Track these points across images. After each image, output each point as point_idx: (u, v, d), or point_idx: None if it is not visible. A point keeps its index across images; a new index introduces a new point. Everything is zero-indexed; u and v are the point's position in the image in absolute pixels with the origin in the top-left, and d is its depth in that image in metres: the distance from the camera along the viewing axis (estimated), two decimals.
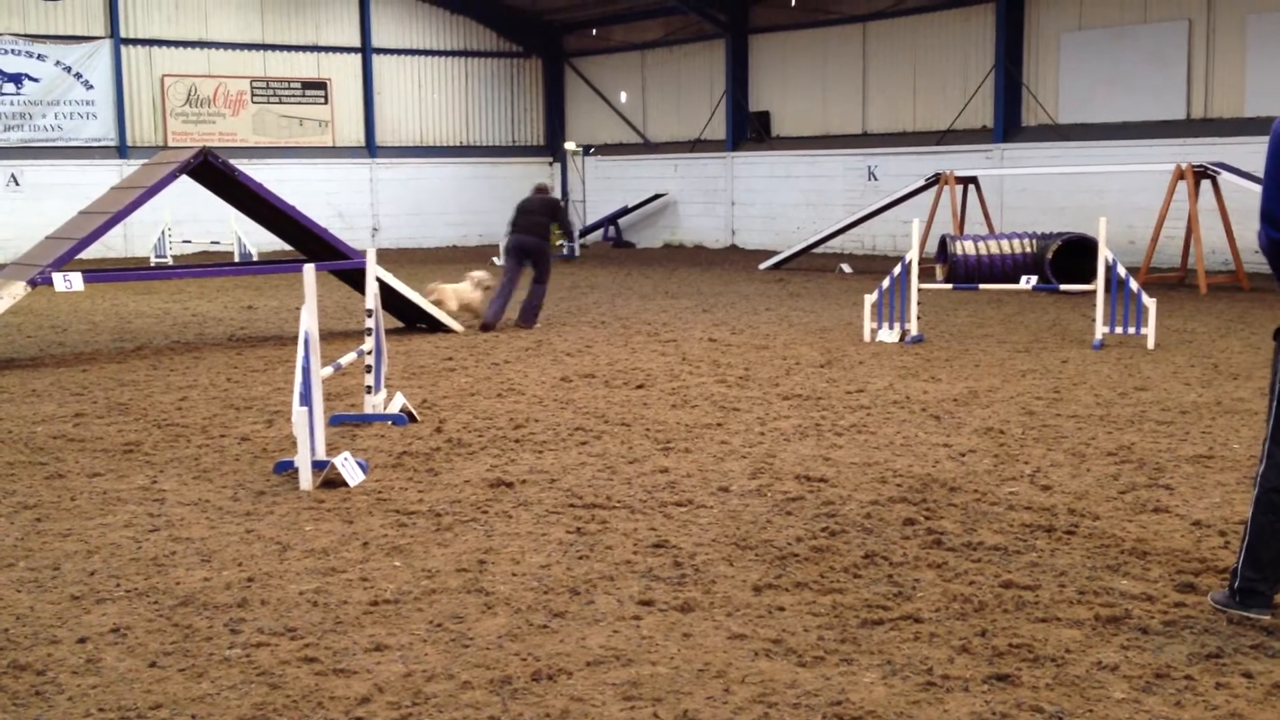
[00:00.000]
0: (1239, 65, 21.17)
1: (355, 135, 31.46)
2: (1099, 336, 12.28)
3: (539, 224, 14.73)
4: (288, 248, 15.17)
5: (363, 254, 9.78)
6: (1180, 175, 18.32)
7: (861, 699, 3.99)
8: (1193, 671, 4.18)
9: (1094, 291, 12.52)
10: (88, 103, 28.19)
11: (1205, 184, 18.41)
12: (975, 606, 4.84)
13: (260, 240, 23.41)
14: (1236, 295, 17.39)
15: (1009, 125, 24.24)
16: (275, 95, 30.44)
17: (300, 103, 30.74)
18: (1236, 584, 4.72)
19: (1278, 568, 4.68)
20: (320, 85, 30.97)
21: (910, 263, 12.73)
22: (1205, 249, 18.76)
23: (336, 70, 31.15)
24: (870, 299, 12.96)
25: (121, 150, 28.31)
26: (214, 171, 12.74)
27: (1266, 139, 4.59)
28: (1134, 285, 12.22)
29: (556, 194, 14.62)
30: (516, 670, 4.23)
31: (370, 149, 31.48)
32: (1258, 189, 4.63)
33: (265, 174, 25.07)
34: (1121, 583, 5.12)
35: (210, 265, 19.50)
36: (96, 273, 13.86)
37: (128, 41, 28.55)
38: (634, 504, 6.44)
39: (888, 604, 4.88)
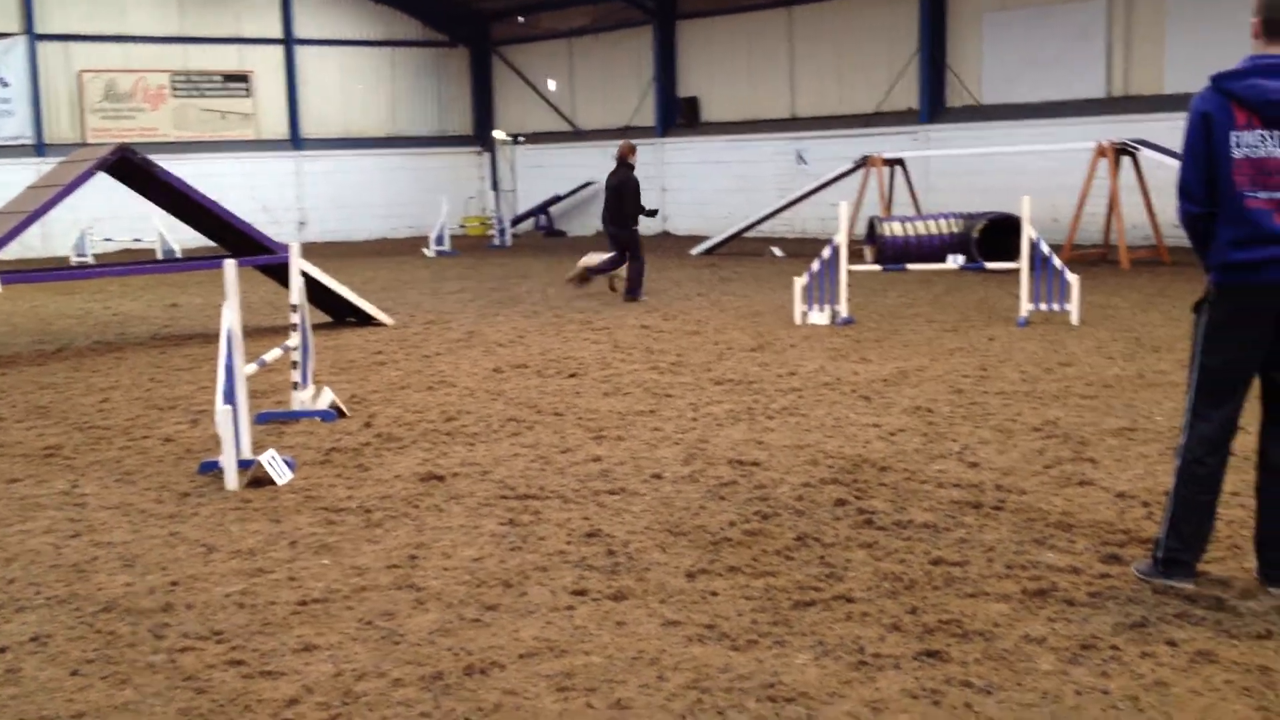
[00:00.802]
0: (1158, 43, 21.51)
1: (279, 128, 31.07)
2: (1024, 314, 12.43)
3: (614, 210, 15.57)
4: (212, 244, 14.94)
5: (287, 248, 9.65)
6: (1101, 153, 18.59)
7: (794, 680, 4.00)
8: (1118, 641, 4.24)
9: (1019, 269, 12.67)
10: (3, 100, 27.59)
11: (1126, 161, 18.70)
12: (905, 584, 4.87)
13: (184, 237, 23.00)
14: (1157, 269, 17.69)
15: (934, 107, 24.45)
16: (196, 89, 29.99)
17: (222, 96, 30.30)
18: (1160, 554, 4.79)
19: (1200, 537, 4.76)
20: (242, 78, 30.55)
21: (839, 245, 12.80)
22: (1126, 225, 19.06)
23: (259, 62, 30.74)
24: (800, 282, 13.01)
25: (39, 149, 27.74)
26: (133, 168, 12.52)
27: (1185, 115, 4.65)
28: (1057, 262, 12.38)
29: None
30: (448, 666, 4.19)
31: (295, 141, 31.11)
32: (1177, 165, 4.69)
33: (188, 169, 24.66)
34: (1048, 556, 5.18)
35: (133, 263, 19.19)
36: (14, 274, 13.56)
37: (43, 37, 27.97)
38: (567, 494, 6.42)
39: (820, 585, 4.90)
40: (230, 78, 30.39)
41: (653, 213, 16.46)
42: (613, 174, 15.91)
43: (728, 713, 3.78)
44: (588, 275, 16.08)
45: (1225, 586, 4.73)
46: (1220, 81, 4.54)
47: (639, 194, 15.74)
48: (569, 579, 5.06)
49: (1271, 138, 4.44)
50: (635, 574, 5.11)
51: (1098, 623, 4.42)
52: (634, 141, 16.94)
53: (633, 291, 15.62)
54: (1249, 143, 4.46)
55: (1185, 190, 4.65)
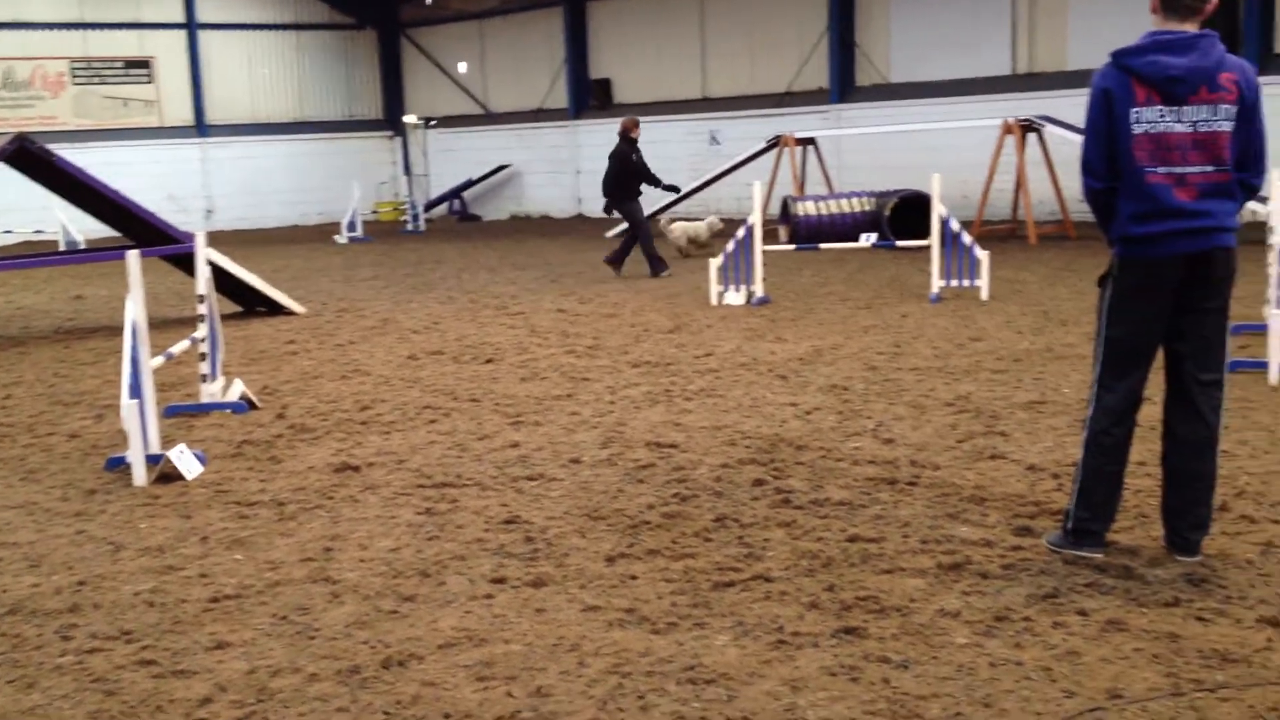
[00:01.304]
0: (1061, 20, 21.86)
1: (184, 114, 30.45)
2: (936, 290, 12.58)
3: (607, 184, 15.87)
4: (116, 234, 14.61)
5: (193, 237, 9.45)
6: (1008, 130, 18.87)
7: (714, 662, 4.01)
8: (1031, 613, 4.31)
9: (930, 247, 12.82)
10: None
11: (1031, 137, 19.00)
12: (823, 562, 4.91)
13: (87, 227, 22.48)
14: (1064, 244, 18.01)
15: (844, 86, 24.63)
16: (97, 75, 29.29)
17: (124, 82, 29.63)
18: (1070, 525, 4.87)
19: (1108, 507, 4.85)
20: (144, 64, 29.90)
21: (753, 225, 12.85)
22: (1033, 200, 19.37)
23: (161, 48, 30.09)
24: (716, 263, 13.05)
25: None
26: (32, 158, 12.19)
27: (1088, 91, 4.71)
28: (967, 239, 12.55)
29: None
30: (365, 659, 4.14)
31: (200, 128, 30.51)
32: (1081, 141, 4.76)
33: (90, 158, 24.09)
34: (962, 530, 5.25)
35: (34, 255, 18.67)
36: None
37: None
38: (485, 481, 6.37)
39: (739, 565, 4.92)
40: (132, 64, 29.72)
41: (671, 188, 17.18)
42: (615, 149, 16.05)
43: (648, 697, 3.78)
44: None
45: (1134, 555, 4.82)
46: (1120, 58, 4.60)
47: (628, 168, 15.94)
48: (487, 567, 5.03)
49: (1170, 113, 4.51)
50: (554, 560, 5.09)
51: (1011, 595, 4.49)
52: (637, 117, 17.06)
53: (617, 259, 16.10)
54: (1149, 118, 4.53)
55: (1087, 166, 4.72)
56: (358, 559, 5.19)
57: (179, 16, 30.26)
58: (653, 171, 16.31)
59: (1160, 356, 4.79)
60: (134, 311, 6.72)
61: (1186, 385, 4.72)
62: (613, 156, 16.05)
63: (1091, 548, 4.82)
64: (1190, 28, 4.54)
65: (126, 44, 29.70)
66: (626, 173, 15.95)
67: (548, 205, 30.32)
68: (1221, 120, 4.51)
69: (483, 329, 11.84)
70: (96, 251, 16.35)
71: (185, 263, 13.68)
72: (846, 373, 8.87)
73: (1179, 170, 4.53)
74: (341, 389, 9.08)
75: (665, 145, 27.42)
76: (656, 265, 15.86)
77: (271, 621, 4.52)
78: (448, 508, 5.90)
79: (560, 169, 29.96)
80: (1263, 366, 8.05)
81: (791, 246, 16.07)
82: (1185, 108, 4.50)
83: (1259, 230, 12.09)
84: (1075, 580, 4.59)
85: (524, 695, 3.83)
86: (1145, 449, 5.83)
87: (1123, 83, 4.56)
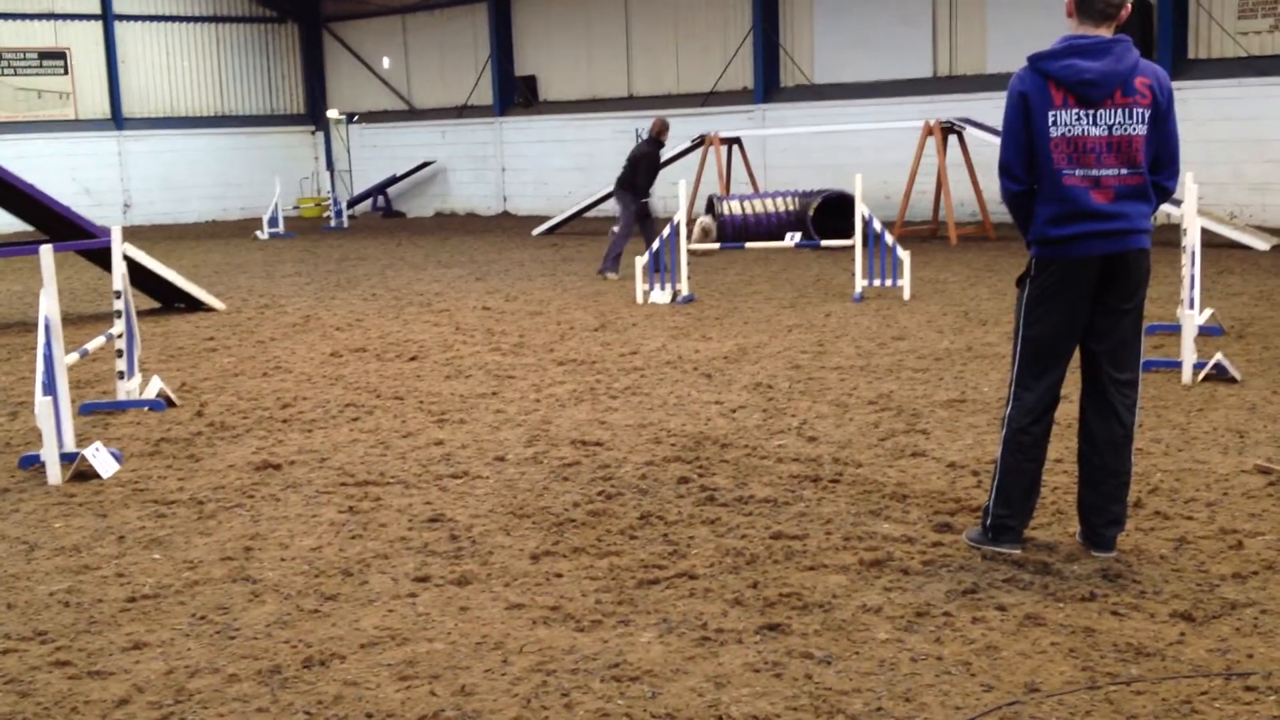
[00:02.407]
0: (980, 24, 22.17)
1: (100, 107, 29.85)
2: (859, 290, 12.71)
3: (628, 178, 15.62)
4: (30, 229, 14.29)
5: (109, 231, 9.27)
6: (929, 131, 19.10)
7: (639, 659, 4.02)
8: (951, 608, 4.37)
9: (853, 247, 12.94)
10: None
11: (952, 139, 19.25)
12: (747, 559, 4.94)
13: (0, 222, 22.00)
14: (984, 245, 18.28)
15: (769, 86, 24.77)
16: (10, 67, 28.62)
17: (38, 74, 28.98)
18: (989, 521, 4.94)
19: (1026, 504, 4.93)
20: (59, 55, 29.25)
21: (679, 224, 12.89)
22: (954, 202, 19.64)
23: (76, 38, 29.46)
24: (641, 261, 13.07)
25: None
26: None
27: (1005, 94, 4.78)
28: (889, 239, 12.69)
29: (667, 137, 16.14)
30: (286, 659, 4.09)
31: (117, 121, 29.92)
32: (999, 143, 4.83)
33: (2, 151, 23.60)
34: (884, 526, 5.31)
35: None
36: None
37: None
38: (408, 479, 6.33)
39: (663, 563, 4.93)
40: (46, 55, 29.07)
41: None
42: (647, 149, 15.80)
43: (573, 694, 3.78)
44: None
45: (1051, 551, 4.91)
46: (1037, 62, 4.68)
47: (655, 169, 15.94)
48: (411, 565, 4.99)
49: (1087, 116, 4.60)
50: (479, 558, 5.07)
51: (931, 590, 4.54)
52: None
53: (609, 264, 15.61)
54: (1065, 121, 4.61)
55: (1005, 169, 4.79)
56: (279, 558, 5.13)
57: (95, 7, 29.65)
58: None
59: (1077, 356, 4.88)
60: (48, 307, 6.58)
61: (1103, 384, 4.81)
62: (640, 155, 15.75)
63: (1010, 544, 4.90)
64: (1105, 32, 4.63)
65: (41, 35, 29.04)
66: (652, 172, 15.89)
67: (473, 202, 30.16)
68: (1136, 124, 4.60)
69: (407, 326, 11.76)
70: (8, 246, 15.97)
71: (101, 258, 13.42)
72: (771, 371, 8.93)
73: (1095, 173, 4.62)
74: (262, 386, 8.97)
75: (592, 143, 27.43)
76: (613, 265, 15.56)
77: (190, 621, 4.45)
78: (371, 506, 5.85)
79: (485, 166, 29.81)
80: (1176, 366, 8.24)
81: (717, 245, 16.14)
82: (1100, 111, 4.59)
83: (1173, 232, 12.36)
84: (994, 576, 4.67)
85: (447, 694, 3.81)
86: (1062, 447, 5.94)
87: (1040, 86, 4.64)
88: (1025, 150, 4.70)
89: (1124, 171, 4.63)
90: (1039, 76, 4.65)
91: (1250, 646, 3.99)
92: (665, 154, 17.40)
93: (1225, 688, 3.71)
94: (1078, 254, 4.66)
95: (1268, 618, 4.21)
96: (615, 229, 16.03)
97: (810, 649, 4.06)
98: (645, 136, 16.16)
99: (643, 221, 15.88)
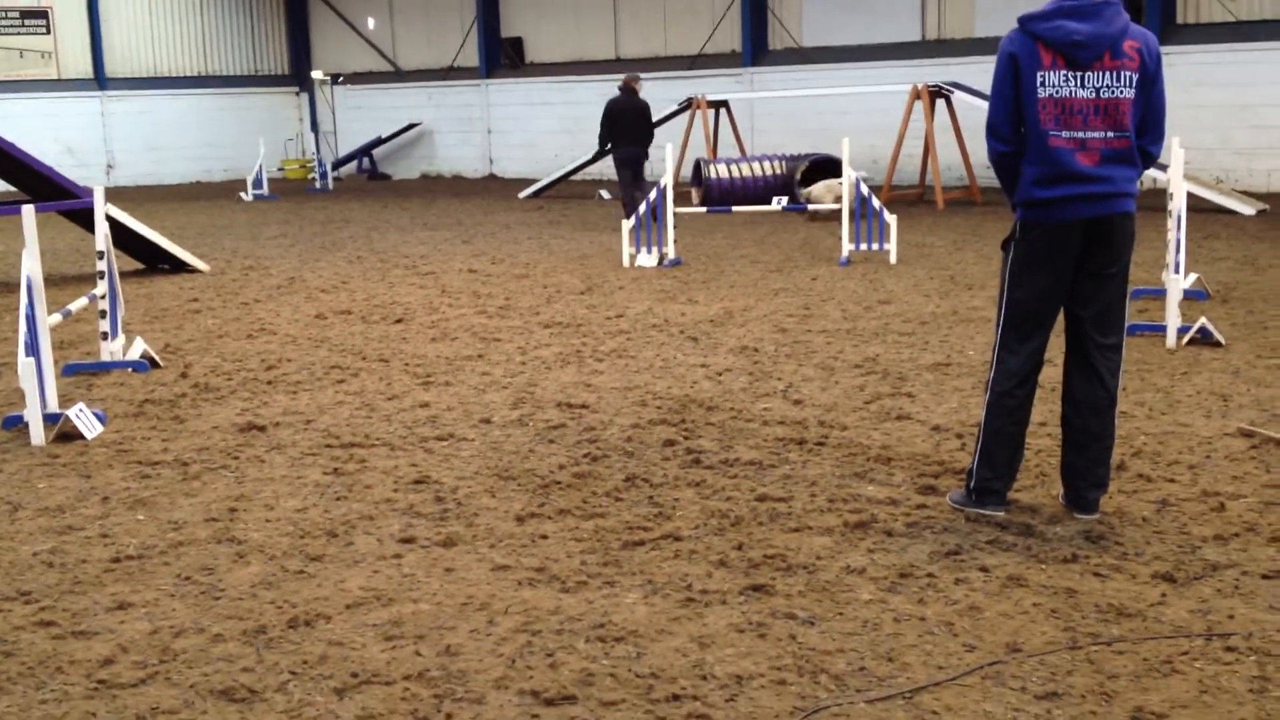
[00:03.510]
0: None
1: (82, 66, 29.55)
2: (845, 254, 12.70)
3: (641, 132, 16.08)
4: (12, 189, 14.18)
5: (91, 192, 9.21)
6: (917, 95, 19.05)
7: (624, 619, 4.03)
8: (934, 569, 4.39)
9: (840, 210, 12.92)
10: None
11: (940, 103, 19.20)
12: (732, 521, 4.95)
13: None
14: (971, 209, 18.27)
15: (756, 49, 24.65)
16: None
17: (19, 33, 28.65)
18: (972, 484, 4.96)
19: (1010, 466, 4.95)
20: (41, 14, 28.92)
21: (666, 187, 12.85)
22: (941, 166, 19.60)
23: None
24: (628, 224, 13.03)
25: None
26: None
27: (995, 58, 4.77)
28: (876, 203, 12.67)
29: (645, 93, 16.81)
30: (271, 619, 4.10)
31: (100, 81, 29.64)
32: (987, 106, 4.82)
33: None
34: (868, 489, 5.32)
35: None
36: None
37: None
38: (394, 441, 6.32)
39: (648, 525, 4.94)
40: (28, 14, 28.74)
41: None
42: (621, 101, 16.19)
43: (558, 654, 3.79)
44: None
45: (1034, 513, 4.93)
46: (1027, 23, 4.66)
47: (648, 118, 16.46)
48: (396, 527, 5.00)
49: (1075, 78, 4.58)
50: (464, 520, 5.07)
51: (915, 552, 4.57)
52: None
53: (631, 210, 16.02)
54: (1053, 83, 4.60)
55: (993, 130, 4.78)
56: (263, 519, 5.13)
57: None
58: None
59: (1061, 320, 4.89)
60: (30, 267, 6.54)
61: (1086, 348, 4.83)
62: (640, 107, 16.23)
63: (993, 506, 4.92)
64: None
65: None
66: (650, 122, 16.43)
67: (459, 165, 30.01)
68: (1124, 87, 4.59)
69: (392, 289, 11.72)
70: None
71: (84, 219, 13.32)
72: (757, 335, 8.93)
73: (1081, 135, 4.61)
74: (247, 348, 8.94)
75: (578, 106, 27.28)
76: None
77: (175, 582, 4.45)
78: (356, 468, 5.85)
79: (471, 128, 29.64)
80: (1160, 330, 8.26)
81: (703, 209, 16.10)
82: (1088, 73, 4.58)
83: (1159, 197, 12.37)
84: (977, 538, 4.69)
85: (433, 654, 3.82)
86: (1046, 410, 5.96)
87: (1029, 47, 4.63)
88: (1013, 111, 4.69)
89: (1110, 135, 4.62)
90: (1028, 37, 4.63)
91: (1231, 608, 4.02)
92: (652, 116, 17.83)
93: (1206, 648, 3.74)
94: (1062, 217, 4.66)
95: (1248, 579, 4.25)
96: (630, 196, 16.01)
97: (794, 610, 4.08)
98: (629, 91, 16.37)
99: (635, 176, 16.23)
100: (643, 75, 21.63)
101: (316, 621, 4.07)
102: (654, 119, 16.64)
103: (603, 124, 16.30)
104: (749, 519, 4.97)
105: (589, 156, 21.58)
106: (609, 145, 16.36)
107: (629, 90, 16.41)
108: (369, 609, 4.17)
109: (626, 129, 16.14)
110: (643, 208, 12.98)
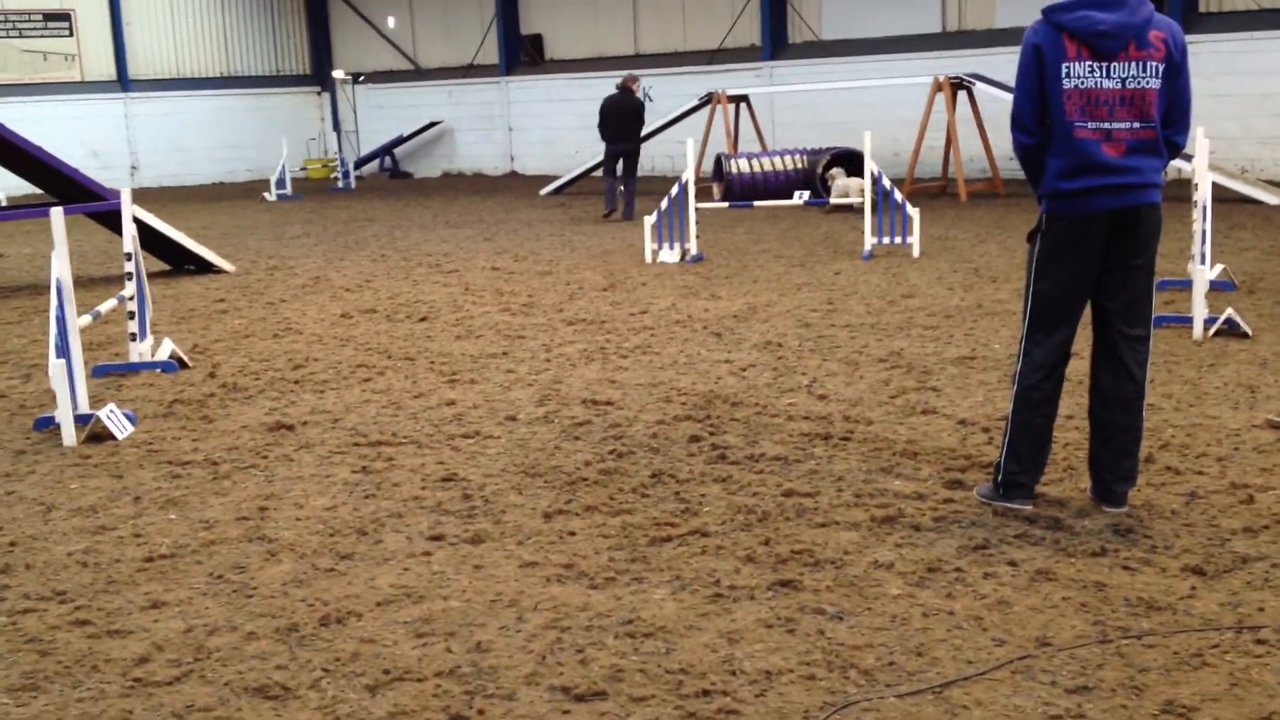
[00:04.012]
0: None
1: (105, 69, 29.75)
2: (868, 247, 12.68)
3: (628, 130, 17.20)
4: (39, 191, 14.29)
5: (118, 194, 9.28)
6: (938, 87, 18.98)
7: (652, 615, 4.05)
8: (962, 564, 4.39)
9: (862, 204, 12.89)
10: None
11: (962, 95, 19.13)
12: (759, 517, 4.96)
13: (9, 185, 21.96)
14: (994, 201, 18.20)
15: (776, 43, 24.61)
16: (15, 29, 28.50)
17: (43, 36, 28.86)
18: (1000, 478, 4.96)
19: (1037, 460, 4.94)
20: (64, 16, 29.12)
21: (687, 183, 12.85)
22: (964, 158, 19.54)
23: (81, 0, 29.30)
24: (650, 220, 13.04)
25: None
26: None
27: (1017, 50, 4.76)
28: (899, 196, 12.64)
29: (640, 92, 18.59)
30: (303, 617, 4.13)
31: (123, 83, 29.83)
32: (1010, 98, 4.81)
33: (9, 113, 23.57)
34: (895, 484, 5.33)
35: None
36: None
37: None
38: (421, 439, 6.36)
39: (675, 521, 4.96)
40: (51, 16, 28.94)
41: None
42: (616, 99, 17.36)
43: (587, 650, 3.81)
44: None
45: (1062, 507, 4.93)
46: (1051, 14, 4.65)
47: (644, 117, 17.71)
48: (425, 524, 5.03)
49: (1100, 69, 4.57)
50: (492, 517, 5.10)
51: (942, 546, 4.57)
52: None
53: (630, 209, 17.23)
54: (1079, 74, 4.58)
55: (1018, 121, 4.77)
56: (294, 518, 5.17)
57: None
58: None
59: (1088, 312, 4.88)
60: (60, 269, 6.59)
61: (1113, 340, 4.81)
62: (630, 106, 17.32)
63: (1021, 500, 4.92)
64: None
65: None
66: (641, 119, 17.55)
67: (480, 162, 30.07)
68: (1149, 77, 4.58)
69: (416, 287, 11.76)
70: (19, 209, 15.99)
71: (111, 220, 13.42)
72: (780, 330, 8.93)
73: (1107, 125, 4.60)
74: (274, 348, 8.99)
75: (599, 102, 27.20)
76: (634, 209, 17.22)
77: (208, 580, 4.49)
78: (384, 466, 5.88)
79: (492, 126, 29.70)
80: (1187, 322, 8.22)
81: (725, 204, 16.10)
82: (1114, 63, 4.56)
83: (1184, 187, 12.31)
84: (1005, 532, 4.69)
85: (463, 651, 3.84)
86: (1073, 403, 5.95)
87: (1053, 38, 4.62)
88: (1037, 103, 4.68)
89: (1136, 125, 4.60)
90: (1053, 28, 4.62)
91: (1261, 600, 4.01)
92: (672, 113, 18.83)
93: (1236, 641, 3.73)
94: (1088, 208, 4.65)
95: (1278, 571, 4.23)
96: (620, 183, 17.32)
97: (822, 604, 4.09)
98: (626, 90, 17.48)
99: (615, 171, 17.40)
100: (662, 71, 21.84)
101: (348, 619, 4.10)
102: (676, 115, 17.42)
103: (599, 121, 17.54)
104: (776, 514, 4.98)
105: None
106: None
107: (625, 89, 17.46)
108: (399, 606, 4.20)
109: (615, 125, 17.25)
110: (621, 200, 13.55)
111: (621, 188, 17.68)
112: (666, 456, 5.86)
